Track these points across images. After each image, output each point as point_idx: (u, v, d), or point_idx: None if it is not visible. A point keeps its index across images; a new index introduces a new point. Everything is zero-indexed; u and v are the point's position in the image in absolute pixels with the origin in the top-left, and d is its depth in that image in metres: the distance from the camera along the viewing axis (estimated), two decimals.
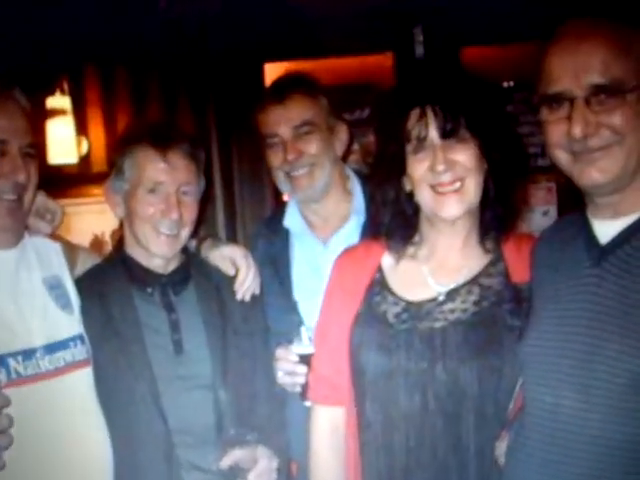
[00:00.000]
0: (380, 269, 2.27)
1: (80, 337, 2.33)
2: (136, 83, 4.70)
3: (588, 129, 1.79)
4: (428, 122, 2.10)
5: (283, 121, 2.76)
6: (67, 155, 4.61)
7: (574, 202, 2.03)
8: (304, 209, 2.89)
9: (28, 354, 2.15)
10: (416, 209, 2.23)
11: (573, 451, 1.79)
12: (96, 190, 4.02)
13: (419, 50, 4.58)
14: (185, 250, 2.58)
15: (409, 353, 2.09)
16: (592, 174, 1.82)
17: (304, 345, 2.45)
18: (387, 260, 2.28)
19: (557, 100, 1.82)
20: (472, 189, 2.12)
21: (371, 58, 4.85)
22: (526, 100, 4.43)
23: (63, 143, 4.58)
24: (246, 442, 2.31)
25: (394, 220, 2.24)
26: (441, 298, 2.16)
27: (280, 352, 2.51)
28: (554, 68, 1.83)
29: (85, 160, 4.72)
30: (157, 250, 2.47)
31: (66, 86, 4.59)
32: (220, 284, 2.56)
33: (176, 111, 4.67)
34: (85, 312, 2.39)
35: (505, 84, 4.82)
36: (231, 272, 2.59)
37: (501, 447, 2.04)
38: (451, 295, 2.16)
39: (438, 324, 2.12)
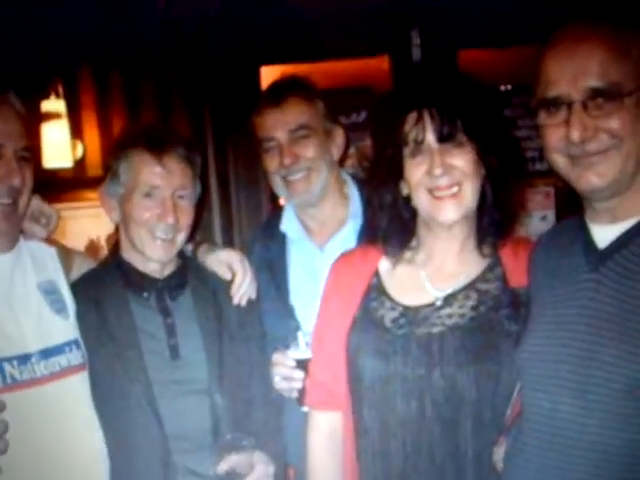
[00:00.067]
0: (377, 274, 2.27)
1: (75, 342, 2.32)
2: (131, 86, 4.68)
3: (586, 133, 1.78)
4: (425, 126, 2.09)
5: (279, 125, 2.76)
6: (62, 159, 4.60)
7: (572, 207, 2.03)
8: (301, 213, 2.88)
9: (23, 359, 2.14)
10: (413, 213, 2.22)
11: (571, 457, 1.78)
12: (91, 194, 4.01)
13: (416, 53, 4.57)
14: (181, 255, 2.58)
15: (406, 358, 2.09)
16: (590, 178, 1.82)
17: (301, 350, 2.45)
18: (384, 265, 2.28)
19: (555, 104, 1.82)
20: (469, 193, 2.11)
21: (368, 61, 4.85)
22: (524, 104, 4.46)
23: (58, 147, 4.57)
24: (243, 447, 2.30)
25: (391, 224, 2.24)
26: (438, 303, 2.15)
27: (277, 357, 2.50)
28: (552, 72, 1.82)
29: (80, 164, 4.70)
30: (153, 254, 2.46)
31: (61, 89, 4.57)
32: (216, 289, 2.56)
33: (172, 115, 4.66)
34: (81, 317, 2.39)
35: (503, 88, 4.82)
36: (227, 277, 2.58)
37: (499, 453, 2.03)
38: (448, 300, 2.15)
39: (435, 329, 2.11)
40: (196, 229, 2.63)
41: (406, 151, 2.13)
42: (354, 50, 4.63)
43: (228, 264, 2.60)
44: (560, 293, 1.92)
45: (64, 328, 2.31)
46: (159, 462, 2.33)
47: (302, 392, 2.43)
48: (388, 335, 2.14)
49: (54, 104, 4.55)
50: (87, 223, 4.41)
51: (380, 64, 4.76)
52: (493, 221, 2.19)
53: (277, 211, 3.06)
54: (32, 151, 2.28)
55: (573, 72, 1.78)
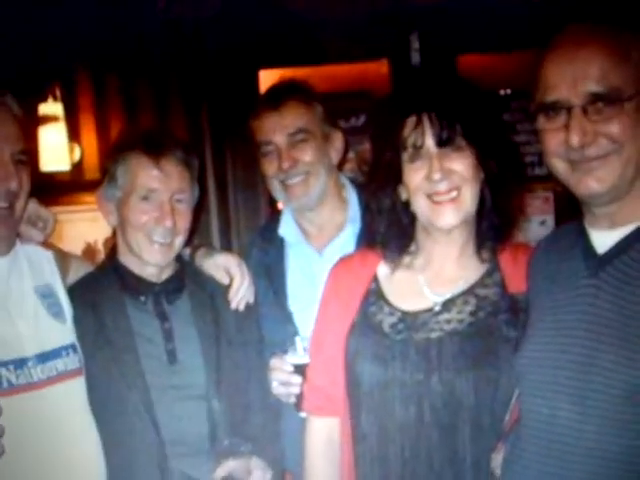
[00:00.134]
0: (376, 279, 2.26)
1: (72, 346, 2.32)
2: (129, 89, 4.68)
3: (586, 138, 1.78)
4: (424, 130, 2.09)
5: (278, 128, 2.75)
6: (59, 162, 4.59)
7: (571, 212, 2.02)
8: (299, 218, 2.87)
9: (20, 363, 2.14)
10: (412, 218, 2.22)
11: (569, 463, 1.77)
12: (89, 198, 3.99)
13: (415, 57, 4.57)
14: (179, 259, 2.57)
15: (405, 364, 2.08)
16: (590, 183, 1.81)
17: (299, 355, 2.44)
18: (383, 270, 2.27)
19: (554, 108, 1.81)
20: (468, 198, 2.11)
21: (367, 65, 4.86)
22: (523, 108, 4.46)
23: (55, 150, 4.56)
24: (240, 453, 2.30)
25: (390, 229, 2.23)
26: (437, 308, 2.14)
27: (275, 362, 2.50)
28: (551, 76, 1.82)
29: (77, 167, 4.70)
30: (150, 258, 2.46)
31: (58, 92, 4.57)
32: (214, 293, 2.55)
33: (169, 118, 4.66)
34: (77, 321, 2.38)
35: (502, 92, 4.82)
36: (225, 281, 2.58)
37: (497, 459, 2.03)
38: (447, 305, 2.14)
39: (434, 334, 2.10)
40: (194, 233, 2.62)
41: (405, 155, 2.13)
42: (353, 54, 4.64)
43: (226, 268, 2.59)
44: (559, 298, 1.91)
45: (61, 332, 2.31)
46: (156, 467, 2.32)
47: (300, 397, 2.42)
48: (387, 340, 2.13)
49: (51, 107, 4.54)
50: (84, 227, 4.41)
51: (379, 68, 4.77)
52: (492, 226, 2.18)
53: (275, 215, 3.05)
54: (29, 154, 2.28)
55: (573, 76, 1.78)
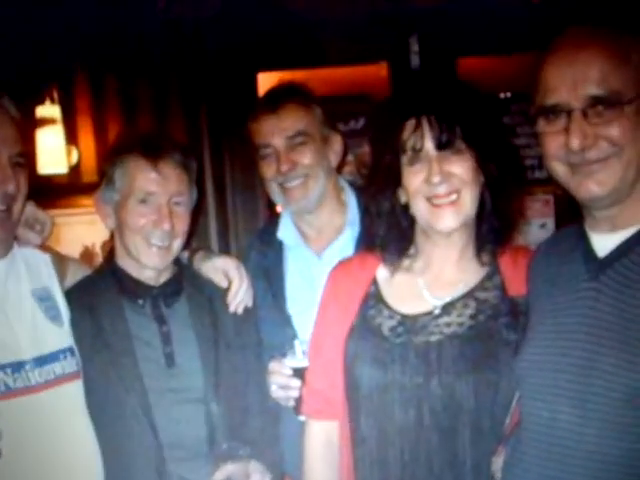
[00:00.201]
0: (375, 282, 2.26)
1: (70, 349, 2.31)
2: (127, 91, 4.67)
3: (586, 141, 1.78)
4: (424, 133, 2.08)
5: (276, 131, 2.75)
6: (57, 165, 4.58)
7: (572, 215, 2.02)
8: (298, 221, 2.87)
9: (17, 366, 2.13)
10: (411, 221, 2.21)
11: (569, 466, 1.77)
12: (86, 200, 3.98)
13: (415, 60, 4.57)
14: (177, 262, 2.56)
15: (404, 367, 2.08)
16: (590, 186, 1.81)
17: (298, 359, 2.44)
18: (382, 273, 2.26)
19: (554, 112, 1.81)
20: (468, 201, 2.11)
21: (366, 68, 4.86)
22: (523, 111, 4.45)
23: (53, 153, 4.55)
24: (239, 456, 2.29)
25: (389, 232, 2.23)
26: (437, 312, 2.14)
27: (273, 365, 2.49)
28: (551, 79, 1.82)
29: (75, 170, 4.69)
30: (148, 262, 2.45)
31: (56, 95, 4.56)
32: (212, 296, 2.55)
33: (168, 120, 4.65)
34: (75, 324, 2.37)
35: (502, 95, 4.82)
36: (224, 284, 2.57)
37: (497, 462, 2.02)
38: (447, 309, 2.14)
39: (434, 338, 2.10)
40: (192, 236, 2.62)
41: (404, 159, 2.13)
42: (352, 56, 4.63)
43: (224, 271, 2.58)
44: (560, 302, 1.91)
45: (58, 335, 2.30)
46: (154, 471, 2.31)
47: (299, 401, 2.42)
48: (386, 343, 2.13)
49: (49, 109, 4.53)
50: (82, 230, 4.40)
51: (378, 71, 4.77)
52: (492, 229, 2.18)
53: (274, 218, 3.05)
54: (27, 157, 2.27)
55: (573, 79, 1.78)
